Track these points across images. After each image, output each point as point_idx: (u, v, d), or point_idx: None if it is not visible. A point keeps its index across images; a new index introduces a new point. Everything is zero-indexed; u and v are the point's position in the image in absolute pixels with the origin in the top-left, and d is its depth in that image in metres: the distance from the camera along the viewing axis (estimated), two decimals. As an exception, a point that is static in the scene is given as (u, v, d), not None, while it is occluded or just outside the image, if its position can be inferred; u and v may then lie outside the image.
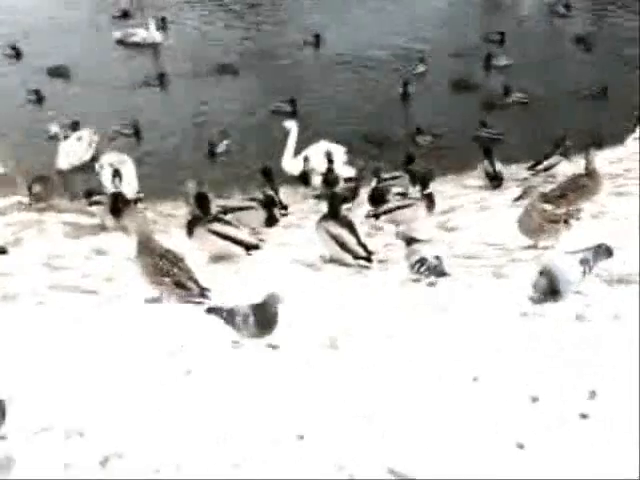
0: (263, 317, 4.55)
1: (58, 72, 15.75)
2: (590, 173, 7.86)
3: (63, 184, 9.71)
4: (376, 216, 7.99)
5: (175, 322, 5.10)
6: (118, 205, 8.00)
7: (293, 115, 13.17)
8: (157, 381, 4.23)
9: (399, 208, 7.90)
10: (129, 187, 9.08)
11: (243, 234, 6.78)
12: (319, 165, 10.21)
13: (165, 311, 5.38)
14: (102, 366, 4.40)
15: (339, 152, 10.66)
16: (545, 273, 4.89)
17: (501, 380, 4.07)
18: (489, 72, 15.59)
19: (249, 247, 6.63)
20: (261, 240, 7.11)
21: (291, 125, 11.31)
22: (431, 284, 5.74)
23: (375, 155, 11.43)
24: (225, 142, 12.20)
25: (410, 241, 6.04)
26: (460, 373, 4.17)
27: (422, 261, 5.78)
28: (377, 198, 8.53)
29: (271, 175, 8.86)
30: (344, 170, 10.49)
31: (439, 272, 5.73)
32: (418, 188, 8.14)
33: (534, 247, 6.60)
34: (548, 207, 6.52)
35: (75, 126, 12.01)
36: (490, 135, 12.13)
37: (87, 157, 11.49)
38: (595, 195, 7.81)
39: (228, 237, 6.59)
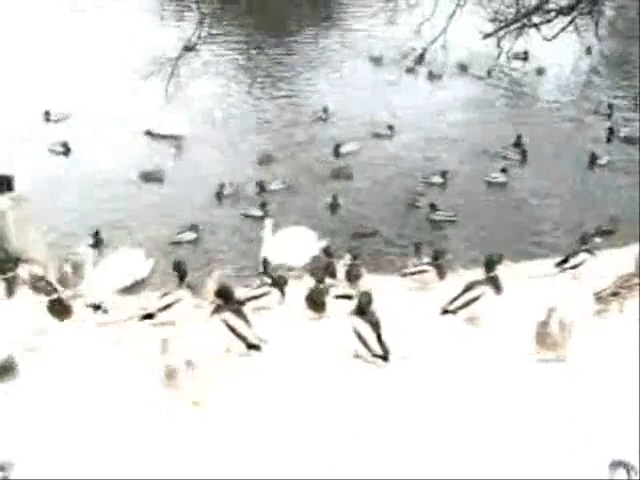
0: None
1: (152, 176, 16.09)
2: None
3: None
4: (453, 312, 7.57)
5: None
6: None
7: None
8: None
9: (473, 301, 7.60)
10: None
11: (248, 331, 6.63)
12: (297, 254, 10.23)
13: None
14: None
15: (311, 236, 10.71)
16: None
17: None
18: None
19: (250, 346, 6.53)
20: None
21: (267, 223, 11.24)
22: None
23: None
24: None
25: None
26: None
27: None
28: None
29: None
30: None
31: None
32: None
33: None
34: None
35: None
36: (443, 217, 14.36)
37: None
38: None
39: (234, 330, 6.52)
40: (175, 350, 5.86)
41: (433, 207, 14.67)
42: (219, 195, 15.30)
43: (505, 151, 17.49)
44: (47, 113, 18.89)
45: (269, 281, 8.33)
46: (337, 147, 17.52)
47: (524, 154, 17.29)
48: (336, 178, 16.23)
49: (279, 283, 8.20)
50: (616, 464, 4.77)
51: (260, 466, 4.93)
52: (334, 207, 14.94)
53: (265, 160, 16.92)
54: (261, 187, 15.57)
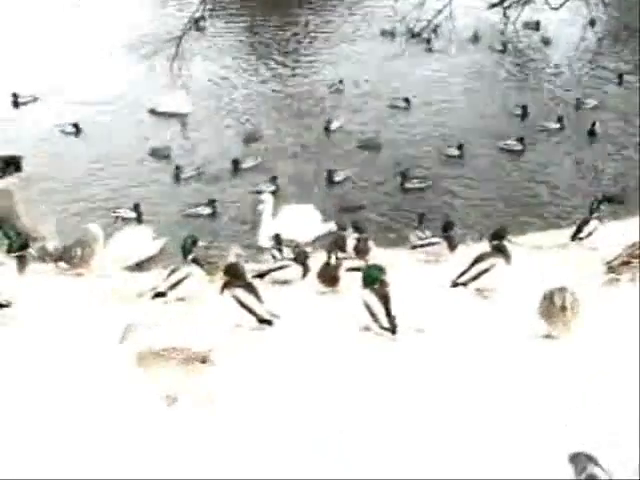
0: None
1: (161, 153, 16.00)
2: None
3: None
4: (464, 285, 7.56)
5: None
6: None
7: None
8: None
9: (485, 272, 7.54)
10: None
11: (259, 306, 6.62)
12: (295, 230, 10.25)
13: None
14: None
15: (312, 212, 10.69)
16: None
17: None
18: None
19: (262, 321, 6.53)
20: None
21: (267, 198, 11.11)
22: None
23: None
24: None
25: None
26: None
27: None
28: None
29: None
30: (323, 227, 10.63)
31: None
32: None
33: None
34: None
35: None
36: (415, 185, 14.40)
37: None
38: None
39: (245, 306, 6.53)
40: (136, 338, 5.63)
41: (404, 175, 14.58)
42: (177, 177, 15.10)
43: (544, 122, 17.37)
44: (15, 96, 18.58)
45: (290, 255, 8.39)
46: (328, 123, 17.36)
47: (561, 122, 17.16)
48: (365, 149, 16.24)
49: (300, 258, 8.19)
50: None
51: (270, 440, 4.92)
52: (331, 182, 14.85)
53: (250, 139, 16.87)
54: (234, 164, 15.43)
